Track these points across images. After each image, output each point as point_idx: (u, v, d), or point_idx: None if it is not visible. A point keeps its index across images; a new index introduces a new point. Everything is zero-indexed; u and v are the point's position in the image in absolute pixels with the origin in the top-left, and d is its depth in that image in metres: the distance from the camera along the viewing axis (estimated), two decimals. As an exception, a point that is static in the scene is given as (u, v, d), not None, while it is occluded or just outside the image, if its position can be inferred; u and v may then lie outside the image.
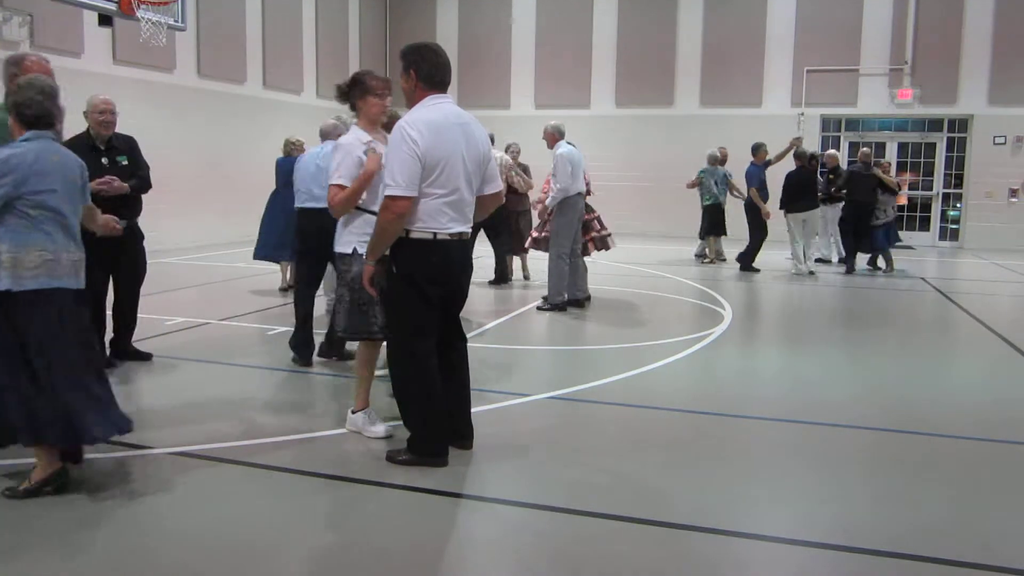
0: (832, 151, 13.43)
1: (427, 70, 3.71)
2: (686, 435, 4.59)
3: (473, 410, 4.79)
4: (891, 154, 17.41)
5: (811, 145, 17.06)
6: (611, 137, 17.77)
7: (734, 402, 5.21)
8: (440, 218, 3.67)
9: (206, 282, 9.66)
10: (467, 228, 3.81)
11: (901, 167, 17.55)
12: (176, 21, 10.87)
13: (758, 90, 17.46)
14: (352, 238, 4.21)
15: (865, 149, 12.66)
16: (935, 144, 17.36)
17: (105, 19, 10.29)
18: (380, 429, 4.20)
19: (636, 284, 10.19)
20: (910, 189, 17.55)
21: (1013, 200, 16.66)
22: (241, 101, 14.87)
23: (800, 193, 11.58)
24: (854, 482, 3.82)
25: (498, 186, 3.97)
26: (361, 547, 3.10)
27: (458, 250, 3.79)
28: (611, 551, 3.06)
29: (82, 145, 5.08)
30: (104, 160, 5.36)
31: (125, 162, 5.49)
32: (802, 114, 17.21)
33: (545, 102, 18.26)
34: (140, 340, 5.98)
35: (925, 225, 17.59)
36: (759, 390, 5.62)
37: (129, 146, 5.60)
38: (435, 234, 3.67)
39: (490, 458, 4.04)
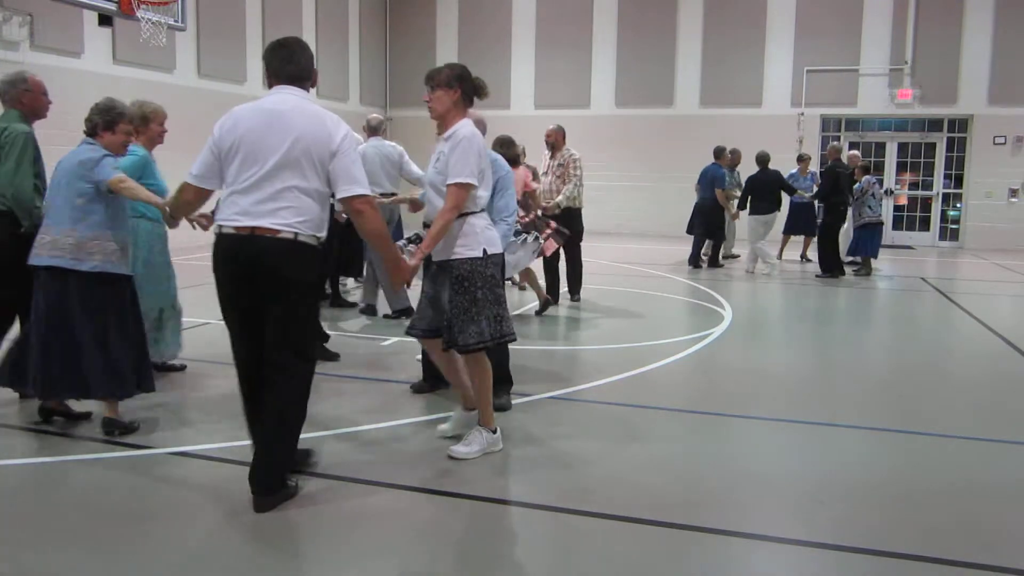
0: (854, 152, 13.15)
1: (273, 65, 3.50)
2: (686, 435, 4.60)
3: (473, 411, 4.81)
4: (891, 154, 17.42)
5: (812, 145, 17.10)
6: (611, 137, 17.76)
7: (734, 402, 5.21)
8: (227, 209, 3.31)
9: (206, 282, 9.63)
10: (267, 223, 3.23)
11: (901, 167, 17.56)
12: (176, 21, 10.87)
13: (758, 90, 17.46)
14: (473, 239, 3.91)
15: (836, 144, 12.50)
16: (935, 144, 17.35)
17: (105, 19, 10.29)
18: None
19: (636, 284, 10.19)
20: (910, 189, 17.58)
21: (1013, 200, 16.66)
22: (241, 101, 14.61)
23: (764, 195, 11.64)
24: (854, 481, 3.82)
25: (350, 191, 3.32)
26: (358, 546, 3.10)
27: (246, 246, 3.26)
28: (611, 551, 3.06)
29: None
30: None
31: None
32: (802, 114, 17.21)
33: (545, 102, 18.26)
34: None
35: (925, 225, 17.60)
36: (759, 390, 5.62)
37: None
38: (220, 227, 3.34)
39: (489, 458, 4.03)
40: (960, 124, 17.11)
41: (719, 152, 12.41)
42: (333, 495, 3.54)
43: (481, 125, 4.49)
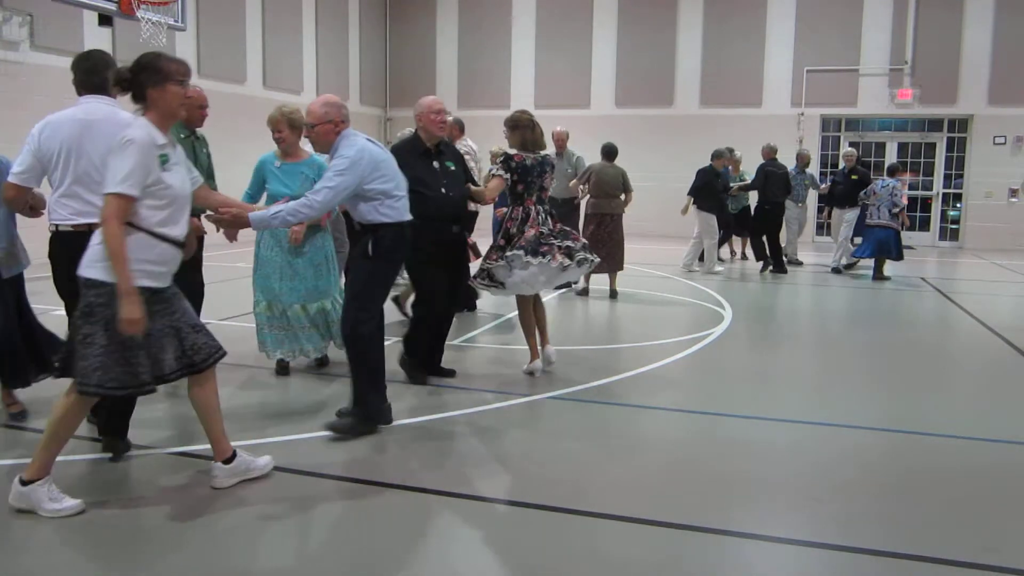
0: (850, 149, 12.93)
1: (78, 77, 3.89)
2: (686, 435, 4.60)
3: (473, 410, 4.81)
4: (891, 154, 17.42)
5: (811, 146, 17.08)
6: (611, 137, 17.57)
7: (734, 402, 5.21)
8: (61, 210, 3.80)
9: (207, 281, 9.63)
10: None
11: (901, 167, 17.53)
12: (176, 21, 10.88)
13: (758, 90, 17.46)
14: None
15: (770, 145, 12.37)
16: (935, 144, 17.36)
17: (105, 19, 10.29)
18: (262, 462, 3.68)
19: (636, 284, 10.18)
20: (910, 189, 17.56)
21: (1013, 200, 16.67)
22: (241, 100, 14.87)
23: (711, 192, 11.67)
24: (854, 482, 3.82)
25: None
26: (358, 547, 3.10)
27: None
28: (611, 551, 3.06)
29: (412, 149, 5.06)
30: (435, 164, 5.15)
31: (453, 167, 5.28)
32: (802, 114, 17.21)
33: (545, 102, 18.26)
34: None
35: (925, 225, 17.60)
36: (759, 390, 5.62)
37: (454, 152, 5.41)
38: (57, 225, 3.83)
39: (490, 458, 4.04)
40: (960, 124, 17.11)
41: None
42: (332, 495, 3.55)
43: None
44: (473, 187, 5.52)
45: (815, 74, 17.10)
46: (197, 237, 4.63)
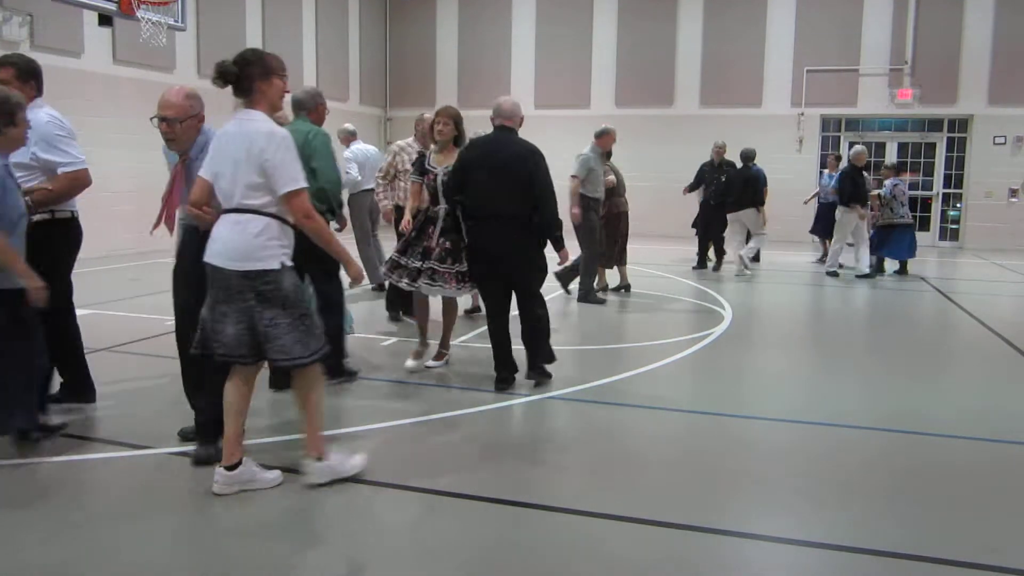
0: (859, 146, 12.26)
1: (36, 82, 4.20)
2: (686, 435, 4.60)
3: (473, 410, 4.82)
4: (891, 154, 17.40)
5: (811, 146, 17.12)
6: (611, 137, 17.74)
7: (734, 402, 5.21)
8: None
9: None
10: None
11: (901, 167, 17.53)
12: (176, 21, 10.86)
13: (758, 90, 17.45)
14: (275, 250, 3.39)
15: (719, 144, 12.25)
16: (935, 144, 17.35)
17: (105, 19, 10.27)
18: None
19: (636, 284, 10.18)
20: (910, 188, 17.53)
21: (1013, 200, 16.66)
22: (241, 101, 14.86)
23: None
24: (854, 482, 3.82)
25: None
26: (358, 547, 3.10)
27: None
28: (610, 551, 3.06)
29: None
30: None
31: None
32: (802, 114, 17.21)
33: (545, 102, 18.25)
34: (140, 340, 5.96)
35: (925, 225, 17.57)
36: (759, 390, 5.62)
37: None
38: (67, 212, 4.30)
39: (489, 458, 4.04)
40: (960, 124, 17.10)
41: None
42: (332, 495, 3.55)
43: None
44: None
45: (815, 74, 17.09)
46: None
